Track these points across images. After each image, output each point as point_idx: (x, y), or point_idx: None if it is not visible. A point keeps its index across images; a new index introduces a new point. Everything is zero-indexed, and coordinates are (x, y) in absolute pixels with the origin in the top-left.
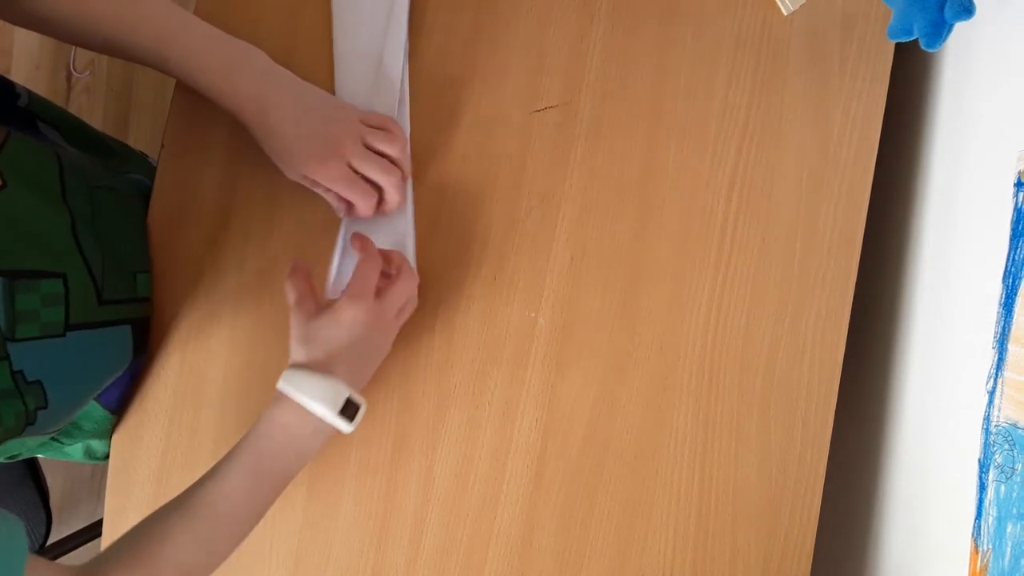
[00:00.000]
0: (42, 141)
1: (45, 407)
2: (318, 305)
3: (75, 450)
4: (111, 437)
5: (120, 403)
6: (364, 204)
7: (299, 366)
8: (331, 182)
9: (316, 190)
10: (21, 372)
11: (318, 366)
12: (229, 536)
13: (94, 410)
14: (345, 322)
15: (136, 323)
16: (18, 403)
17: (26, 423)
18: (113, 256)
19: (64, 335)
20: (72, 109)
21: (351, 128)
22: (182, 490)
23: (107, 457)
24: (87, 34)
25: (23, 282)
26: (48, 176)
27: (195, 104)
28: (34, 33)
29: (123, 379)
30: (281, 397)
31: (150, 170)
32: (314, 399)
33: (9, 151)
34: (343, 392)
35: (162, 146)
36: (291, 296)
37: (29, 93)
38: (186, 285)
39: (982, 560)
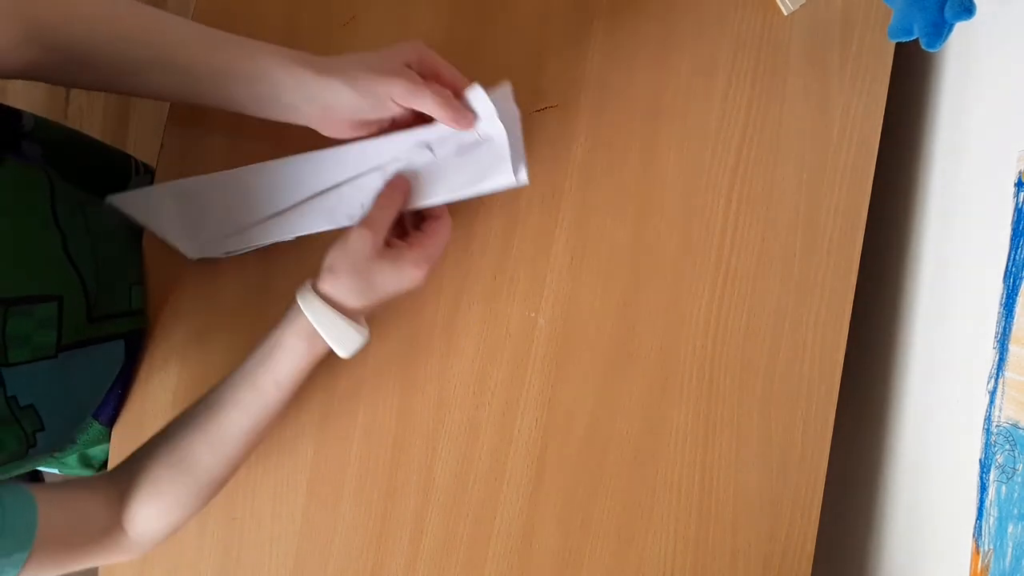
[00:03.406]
0: (29, 161)
1: (42, 429)
2: (384, 238)
3: (71, 460)
4: (109, 442)
5: (115, 416)
6: (460, 79)
7: (335, 304)
8: (426, 50)
9: (422, 97)
10: (15, 397)
11: (352, 312)
12: (251, 447)
13: (90, 426)
14: (405, 281)
15: (129, 336)
16: (16, 428)
17: (28, 446)
18: (107, 271)
19: (56, 356)
20: (72, 109)
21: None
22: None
23: (105, 464)
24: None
25: (19, 307)
26: (40, 198)
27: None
28: None
29: (115, 392)
30: (302, 327)
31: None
32: (342, 347)
33: (2, 176)
34: (365, 339)
35: (161, 146)
36: (378, 213)
37: (36, 119)
38: (186, 286)
39: (983, 560)
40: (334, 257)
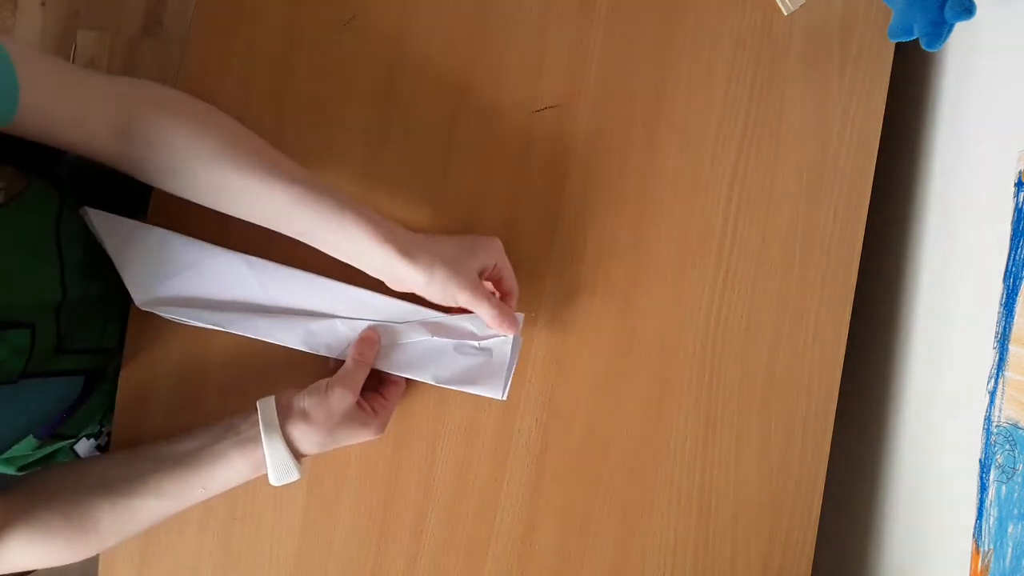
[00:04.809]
0: (54, 181)
1: None
2: (359, 390)
3: None
4: (38, 449)
5: (52, 432)
6: (516, 292)
7: (293, 447)
8: (503, 257)
9: (482, 305)
10: None
11: (299, 455)
12: (152, 527)
13: (25, 439)
14: (361, 440)
15: (91, 372)
16: None
17: None
18: (89, 304)
19: (16, 382)
20: None
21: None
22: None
23: (26, 468)
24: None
25: None
26: (45, 229)
27: None
28: (34, 32)
29: (60, 416)
30: (253, 456)
31: None
32: (278, 479)
33: (17, 204)
34: (301, 477)
35: None
36: (355, 371)
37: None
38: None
39: (983, 560)
40: (313, 407)
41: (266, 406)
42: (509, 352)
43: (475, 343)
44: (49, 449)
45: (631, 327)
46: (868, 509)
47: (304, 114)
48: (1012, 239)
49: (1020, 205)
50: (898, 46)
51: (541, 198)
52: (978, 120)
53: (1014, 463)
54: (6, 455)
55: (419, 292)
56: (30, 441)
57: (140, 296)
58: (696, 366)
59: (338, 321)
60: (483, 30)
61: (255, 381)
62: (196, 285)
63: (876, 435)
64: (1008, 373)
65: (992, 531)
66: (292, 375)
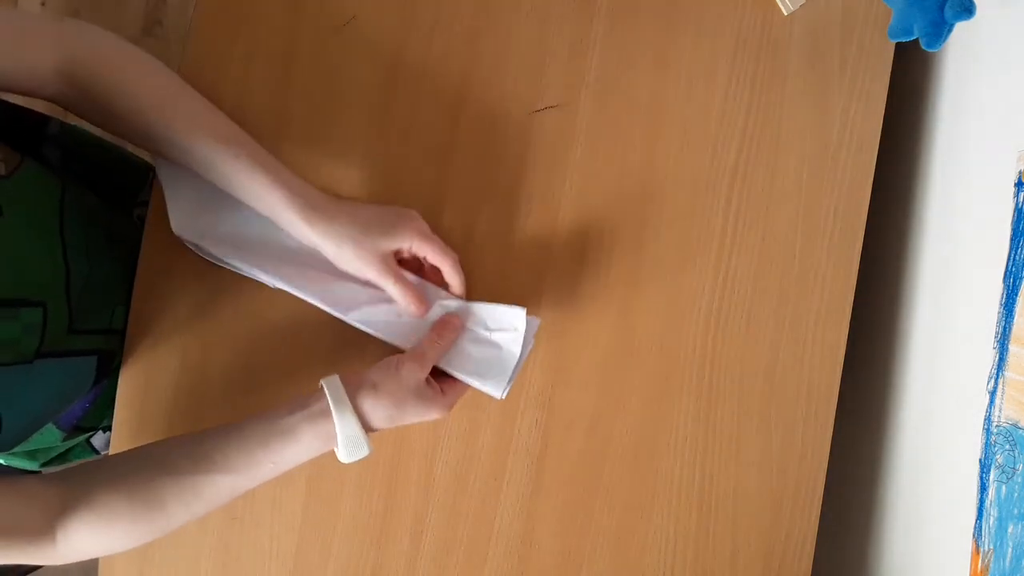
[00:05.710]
0: (47, 165)
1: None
2: (429, 368)
3: (16, 450)
4: (61, 442)
5: (74, 424)
6: (450, 262)
7: (363, 420)
8: (418, 238)
9: (388, 282)
10: None
11: (370, 429)
12: (220, 507)
13: (47, 431)
14: (427, 419)
15: (103, 354)
16: None
17: None
18: (96, 287)
19: (32, 362)
20: None
21: (411, 213)
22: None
23: (47, 464)
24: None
25: (4, 310)
26: (49, 206)
27: None
28: None
29: (82, 404)
30: (324, 431)
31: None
32: (349, 456)
33: (18, 178)
34: (370, 454)
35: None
36: (431, 350)
37: (62, 124)
38: (186, 288)
39: (983, 560)
40: (382, 378)
41: (331, 382)
42: (518, 352)
43: (485, 332)
44: (72, 442)
45: (631, 327)
46: (868, 509)
47: (304, 114)
48: (1012, 239)
49: (1020, 205)
50: (898, 46)
51: (541, 198)
52: (978, 120)
53: (1014, 463)
54: (31, 447)
55: (332, 261)
56: (54, 433)
57: (178, 223)
58: (696, 366)
59: (360, 290)
60: (483, 30)
61: (257, 379)
62: (232, 223)
63: (876, 435)
64: (1008, 373)
65: (992, 531)
66: (295, 374)
